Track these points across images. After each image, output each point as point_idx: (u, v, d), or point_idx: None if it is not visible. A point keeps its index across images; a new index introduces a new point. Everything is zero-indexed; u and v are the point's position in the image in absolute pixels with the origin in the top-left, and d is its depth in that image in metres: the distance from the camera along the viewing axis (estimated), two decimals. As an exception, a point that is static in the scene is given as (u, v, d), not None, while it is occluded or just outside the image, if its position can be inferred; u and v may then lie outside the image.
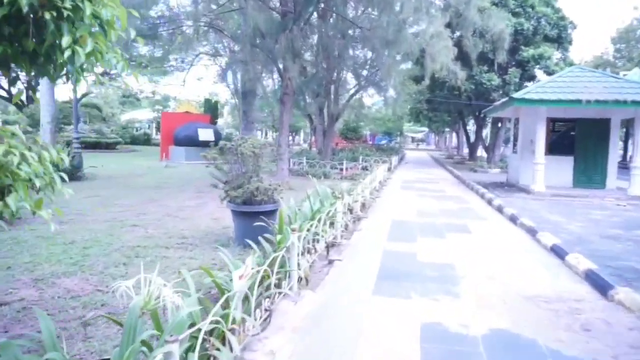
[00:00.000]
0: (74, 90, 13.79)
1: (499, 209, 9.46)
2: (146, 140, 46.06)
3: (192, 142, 23.88)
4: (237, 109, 51.52)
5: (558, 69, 20.34)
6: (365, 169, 18.32)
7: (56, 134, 16.21)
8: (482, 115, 27.27)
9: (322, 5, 11.42)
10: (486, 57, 21.80)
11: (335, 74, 14.70)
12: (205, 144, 24.63)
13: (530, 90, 11.84)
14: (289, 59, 9.63)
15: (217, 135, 24.30)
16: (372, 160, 21.76)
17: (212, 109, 33.61)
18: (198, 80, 42.90)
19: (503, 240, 6.83)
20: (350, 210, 7.48)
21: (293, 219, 5.62)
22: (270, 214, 6.11)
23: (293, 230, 4.10)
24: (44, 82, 14.68)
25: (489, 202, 10.64)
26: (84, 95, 39.43)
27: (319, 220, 5.24)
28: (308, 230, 4.79)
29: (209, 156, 6.18)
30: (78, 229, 6.97)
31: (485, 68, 21.53)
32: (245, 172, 6.36)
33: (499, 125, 23.62)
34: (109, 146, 32.99)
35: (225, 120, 76.94)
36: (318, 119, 21.72)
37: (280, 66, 11.40)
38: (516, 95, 11.88)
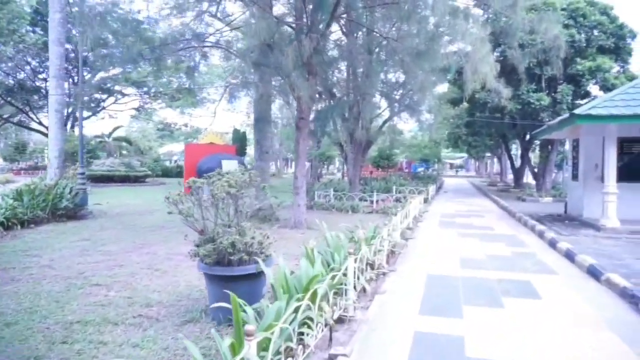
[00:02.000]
0: (80, 123, 12.87)
1: (569, 256, 7.33)
2: (179, 173, 45.90)
3: (215, 174, 22.76)
4: (269, 139, 51.22)
5: (618, 83, 17.95)
6: (398, 200, 16.40)
7: (64, 169, 15.34)
8: (529, 138, 24.84)
9: (343, 14, 9.92)
10: (532, 74, 19.69)
11: (362, 97, 13.08)
12: (229, 176, 23.58)
13: (595, 105, 9.76)
14: (299, 75, 8.11)
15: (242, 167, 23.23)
16: (407, 191, 19.80)
17: (240, 140, 32.76)
18: (227, 111, 42.52)
19: (593, 314, 4.72)
20: (372, 265, 5.66)
21: (282, 289, 3.91)
22: (255, 278, 4.43)
23: (248, 335, 2.36)
24: (52, 115, 13.92)
25: (552, 244, 8.49)
26: (115, 129, 39.84)
27: (313, 296, 3.50)
28: (292, 321, 3.06)
29: (171, 198, 4.59)
30: (25, 290, 5.51)
31: (533, 86, 19.34)
32: (227, 222, 4.73)
33: (549, 148, 21.16)
34: (138, 179, 32.60)
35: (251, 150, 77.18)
36: (349, 147, 20.10)
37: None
38: (578, 111, 9.82)
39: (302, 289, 3.91)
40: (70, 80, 40.72)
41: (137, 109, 45.14)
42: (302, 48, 7.90)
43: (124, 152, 52.05)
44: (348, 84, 14.75)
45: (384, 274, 6.18)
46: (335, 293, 4.29)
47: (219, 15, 10.96)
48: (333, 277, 4.12)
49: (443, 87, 33.53)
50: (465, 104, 28.71)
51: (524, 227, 11.44)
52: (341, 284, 4.32)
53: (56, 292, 5.44)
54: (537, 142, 28.00)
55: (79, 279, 6.10)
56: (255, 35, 8.52)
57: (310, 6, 8.43)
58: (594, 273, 6.00)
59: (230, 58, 10.84)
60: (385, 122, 26.62)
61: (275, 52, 8.75)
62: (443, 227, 11.19)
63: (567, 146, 30.46)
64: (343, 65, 13.96)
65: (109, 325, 4.38)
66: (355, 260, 4.82)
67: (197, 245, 4.61)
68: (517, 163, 29.94)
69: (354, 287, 4.80)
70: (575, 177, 12.71)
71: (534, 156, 32.95)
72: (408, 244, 8.67)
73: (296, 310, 3.23)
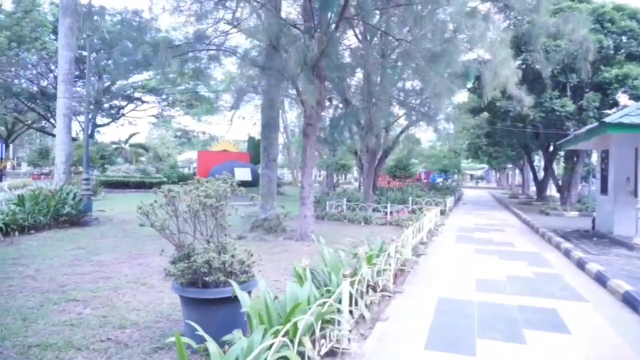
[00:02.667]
0: (85, 127, 12.62)
1: (600, 279, 6.55)
2: (196, 180, 45.93)
3: (227, 182, 22.43)
4: (284, 148, 50.83)
5: (648, 92, 16.97)
6: (414, 212, 15.68)
7: (70, 175, 15.13)
8: (553, 149, 23.80)
9: (354, 16, 9.39)
10: (556, 81, 18.80)
11: (374, 103, 12.49)
12: (241, 184, 23.18)
13: (628, 113, 8.96)
14: (304, 78, 7.59)
15: (255, 175, 22.76)
16: (424, 202, 19.03)
17: (255, 147, 32.36)
18: (244, 120, 42.38)
19: (635, 357, 3.99)
20: (374, 287, 5.03)
21: (260, 319, 3.34)
22: (235, 301, 3.87)
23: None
24: (59, 119, 13.74)
25: (580, 264, 7.69)
26: (131, 135, 40.16)
27: (294, 329, 2.92)
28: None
29: (143, 209, 4.08)
30: (-5, 305, 5.08)
31: (557, 93, 18.44)
32: (206, 237, 4.19)
33: (575, 159, 20.13)
34: (153, 185, 32.51)
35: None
36: (365, 156, 19.51)
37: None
38: (609, 119, 9.04)
39: (285, 318, 3.33)
40: (90, 87, 41.41)
41: (155, 116, 45.57)
42: (307, 49, 7.38)
43: (142, 158, 52.56)
44: (363, 91, 14.18)
45: (389, 296, 5.54)
46: (327, 322, 3.70)
47: (234, 22, 10.58)
48: (323, 304, 3.52)
49: (463, 97, 32.71)
50: (485, 114, 27.85)
51: (547, 244, 10.61)
52: (334, 312, 3.71)
53: (27, 308, 4.99)
54: (562, 153, 26.89)
55: (58, 293, 5.64)
56: (262, 35, 8.06)
57: (317, 6, 7.94)
58: (630, 302, 5.24)
59: (242, 64, 10.43)
60: (402, 131, 25.98)
61: (281, 55, 8.26)
62: (459, 242, 10.45)
63: (595, 158, 29.25)
64: (359, 72, 13.41)
65: (70, 351, 3.88)
66: (353, 284, 4.22)
67: (172, 262, 4.07)
68: (540, 175, 28.79)
69: (351, 314, 4.19)
70: (604, 190, 11.82)
71: (558, 168, 31.72)
72: (420, 261, 7.99)
73: (269, 347, 2.65)
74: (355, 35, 11.81)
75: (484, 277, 6.78)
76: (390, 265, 5.87)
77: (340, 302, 3.85)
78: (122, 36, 10.07)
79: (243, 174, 23.10)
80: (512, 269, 7.38)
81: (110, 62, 28.96)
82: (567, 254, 8.72)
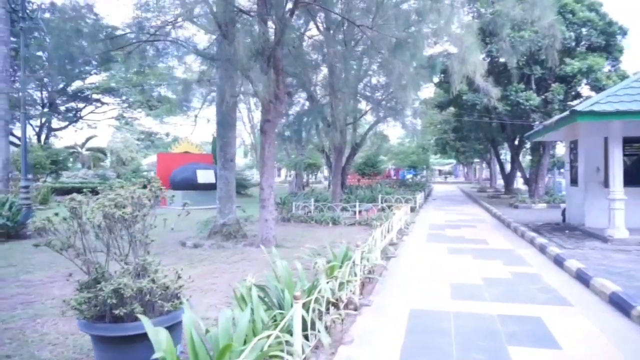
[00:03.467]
0: (22, 128, 11.40)
1: (581, 278, 6.07)
2: (160, 184, 44.16)
3: (190, 185, 21.40)
4: (252, 148, 49.68)
5: (610, 83, 17.00)
6: (384, 210, 15.15)
7: (9, 183, 13.81)
8: (519, 141, 23.84)
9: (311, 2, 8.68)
10: (521, 74, 18.70)
11: (336, 97, 11.84)
12: (205, 187, 22.14)
13: (598, 101, 8.62)
14: (255, 68, 6.82)
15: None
16: (393, 200, 18.56)
17: (220, 148, 31.30)
18: (207, 121, 41.12)
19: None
20: (336, 304, 4.33)
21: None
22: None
23: None
24: (-7, 123, 12.45)
25: (557, 261, 7.24)
26: (88, 139, 38.16)
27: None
28: None
29: (37, 224, 3.24)
30: None
31: (522, 86, 18.32)
32: (121, 256, 3.40)
33: (541, 151, 20.12)
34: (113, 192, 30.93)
35: (243, 161, 75.48)
36: (334, 155, 18.86)
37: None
38: (579, 108, 8.69)
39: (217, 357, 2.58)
40: (43, 87, 39.15)
41: (116, 118, 43.57)
42: (261, 36, 6.62)
43: (105, 163, 50.29)
44: (326, 85, 13.51)
45: (355, 308, 4.86)
46: (274, 357, 2.97)
47: (182, 11, 9.67)
48: (268, 336, 2.79)
49: (429, 92, 32.62)
50: (452, 109, 27.76)
51: (521, 239, 10.22)
52: (282, 344, 2.98)
53: None
54: (528, 146, 27.10)
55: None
56: (212, 24, 7.26)
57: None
58: (620, 305, 4.74)
59: (186, 54, 9.52)
60: (370, 127, 25.52)
61: (231, 43, 7.45)
62: (431, 241, 9.92)
63: (560, 149, 29.56)
64: (323, 66, 12.73)
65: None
66: (308, 305, 3.51)
67: (79, 290, 3.26)
68: (507, 168, 28.97)
69: (307, 339, 3.49)
70: (574, 182, 11.57)
71: (524, 161, 32.04)
72: (389, 265, 7.36)
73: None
74: (316, 25, 11.13)
75: (459, 280, 6.20)
76: (356, 274, 5.20)
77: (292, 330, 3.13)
78: (55, 27, 9.02)
79: (206, 176, 22.07)
80: (488, 270, 6.85)
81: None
82: (542, 249, 8.30)
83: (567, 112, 9.40)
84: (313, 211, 15.48)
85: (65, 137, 50.12)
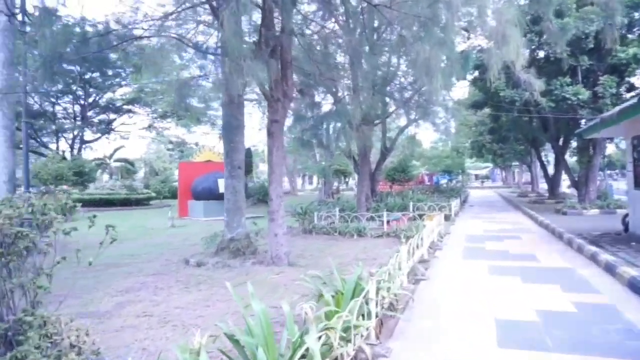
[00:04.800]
0: (24, 138, 10.77)
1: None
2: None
3: (211, 195, 20.61)
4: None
5: (671, 72, 15.04)
6: (415, 219, 13.74)
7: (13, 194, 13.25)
8: (564, 141, 21.81)
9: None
10: (566, 66, 16.89)
11: (355, 92, 10.65)
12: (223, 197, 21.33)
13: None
14: (248, 55, 5.72)
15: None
16: (426, 207, 17.08)
17: (246, 157, 30.55)
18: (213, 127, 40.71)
19: None
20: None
21: None
22: None
23: None
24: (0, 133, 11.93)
25: (634, 286, 5.70)
26: (115, 150, 38.42)
27: None
28: None
29: None
30: None
31: (568, 79, 16.51)
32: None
33: (591, 151, 18.12)
34: (140, 202, 30.75)
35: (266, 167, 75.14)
36: (359, 160, 17.60)
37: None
38: (651, 94, 7.11)
39: None
40: (75, 100, 39.83)
41: (147, 128, 43.94)
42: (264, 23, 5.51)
43: (137, 174, 50.88)
44: (352, 81, 12.29)
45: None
46: None
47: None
48: None
49: (462, 92, 30.86)
50: (488, 110, 25.92)
51: (578, 254, 8.63)
52: None
53: None
54: (574, 145, 24.91)
55: None
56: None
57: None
58: None
59: (179, 46, 8.57)
60: (400, 131, 24.11)
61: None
62: (469, 258, 8.48)
63: (610, 149, 27.03)
64: (341, 56, 11.58)
65: None
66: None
67: None
68: (551, 170, 26.80)
69: None
70: (639, 185, 9.84)
71: (569, 162, 29.64)
72: (418, 292, 6.02)
73: None
74: (331, 13, 9.96)
75: (507, 315, 4.82)
76: (369, 313, 3.95)
77: None
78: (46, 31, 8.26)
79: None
80: (543, 299, 5.42)
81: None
82: (609, 269, 6.74)
83: (635, 100, 7.81)
84: (337, 222, 14.26)
85: (99, 149, 51.01)
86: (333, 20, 9.60)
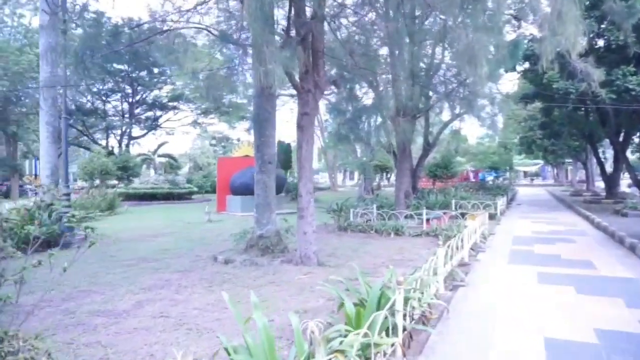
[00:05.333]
0: (64, 134, 10.95)
1: None
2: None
3: (248, 190, 20.43)
4: (322, 153, 48.67)
5: None
6: (457, 217, 12.99)
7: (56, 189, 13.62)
8: (625, 136, 20.10)
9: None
10: (630, 54, 15.45)
11: (394, 81, 10.06)
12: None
13: None
14: (273, 43, 5.33)
15: (280, 181, 20.67)
16: (470, 206, 16.19)
17: (285, 152, 30.52)
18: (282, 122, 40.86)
19: None
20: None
21: None
22: None
23: None
24: (42, 128, 12.27)
25: None
26: (160, 146, 39.42)
27: None
28: None
29: None
30: None
31: (632, 69, 15.08)
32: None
33: (657, 148, 16.52)
34: (182, 196, 31.38)
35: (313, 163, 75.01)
36: (398, 155, 16.91)
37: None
38: None
39: None
40: (124, 98, 41.30)
41: (192, 125, 44.99)
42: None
43: (183, 169, 52.23)
44: (391, 71, 11.67)
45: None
46: None
47: None
48: None
49: (512, 85, 29.24)
50: (539, 104, 24.34)
51: (639, 260, 7.70)
52: None
53: None
54: (636, 141, 23.02)
55: None
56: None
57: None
58: None
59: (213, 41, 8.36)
60: (444, 125, 23.13)
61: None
62: (514, 262, 7.74)
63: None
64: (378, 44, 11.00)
65: None
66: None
67: None
68: (608, 168, 24.89)
69: None
70: None
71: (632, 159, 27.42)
72: (454, 300, 5.43)
73: None
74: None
75: (559, 333, 4.19)
76: (395, 327, 3.46)
77: None
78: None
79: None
80: (602, 315, 4.71)
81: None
82: (681, 281, 5.87)
83: None
84: (375, 219, 13.73)
85: (146, 145, 52.75)
86: (370, 7, 9.04)
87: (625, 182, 28.27)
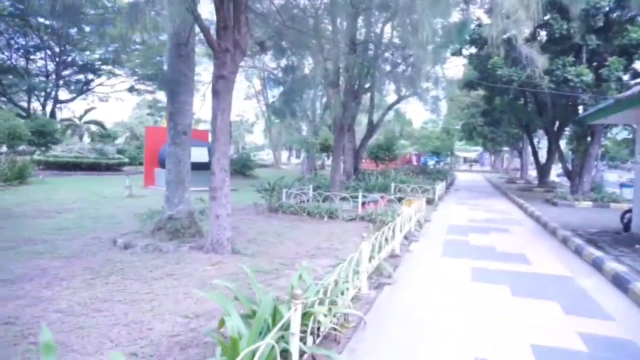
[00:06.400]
0: None
1: None
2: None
3: (180, 163, 18.97)
4: (268, 127, 47.03)
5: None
6: (395, 201, 12.44)
7: None
8: (559, 127, 20.53)
9: None
10: (571, 44, 15.49)
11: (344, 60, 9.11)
12: (198, 167, 19.64)
13: None
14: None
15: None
16: (409, 189, 15.78)
17: (224, 125, 28.73)
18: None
19: None
20: None
21: None
22: None
23: None
24: None
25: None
26: (86, 111, 36.23)
27: None
28: None
29: None
30: None
31: (571, 59, 15.08)
32: None
33: (589, 139, 16.87)
34: (111, 167, 28.99)
35: (257, 139, 73.11)
36: (335, 133, 16.06)
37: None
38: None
39: None
40: (52, 58, 37.36)
41: (129, 90, 41.59)
42: None
43: (119, 139, 48.70)
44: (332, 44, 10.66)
45: None
46: None
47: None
48: None
49: (457, 70, 29.28)
50: (481, 92, 24.41)
51: (575, 256, 7.39)
52: None
53: None
54: (567, 133, 23.69)
55: None
56: None
57: None
58: None
59: None
60: (389, 107, 22.64)
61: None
62: (448, 255, 7.17)
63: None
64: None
65: None
66: None
67: None
68: (542, 157, 25.61)
69: None
70: (649, 179, 8.56)
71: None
72: (375, 305, 4.65)
73: None
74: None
75: (493, 357, 3.50)
76: (291, 350, 2.58)
77: None
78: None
79: (200, 154, 19.62)
80: (538, 326, 4.11)
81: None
82: (618, 282, 5.47)
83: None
84: (311, 200, 12.90)
85: (80, 111, 48.38)
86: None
87: (554, 171, 29.43)
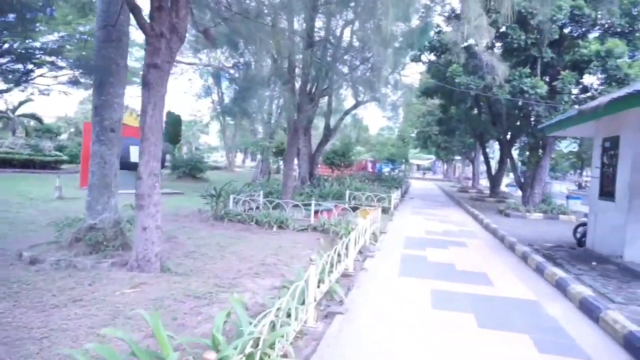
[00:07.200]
0: None
1: None
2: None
3: (121, 164, 17.48)
4: (222, 128, 45.39)
5: (632, 74, 14.07)
6: (349, 211, 11.81)
7: None
8: (511, 137, 20.79)
9: None
10: (527, 55, 15.59)
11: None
12: (134, 167, 18.28)
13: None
14: None
15: (162, 155, 17.92)
16: (364, 198, 15.26)
17: (174, 124, 27.34)
18: (184, 94, 36.88)
19: None
20: None
21: None
22: None
23: None
24: None
25: (629, 342, 3.99)
26: (21, 104, 33.40)
27: None
28: None
29: None
30: None
31: (527, 70, 15.14)
32: None
33: (541, 151, 17.06)
34: (47, 165, 26.73)
35: (212, 140, 70.87)
36: (288, 136, 15.27)
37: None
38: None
39: None
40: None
41: (72, 82, 38.78)
42: None
43: (64, 135, 45.41)
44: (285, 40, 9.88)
45: None
46: None
47: None
48: None
49: (415, 78, 29.30)
50: (437, 102, 24.49)
51: (536, 275, 7.01)
52: None
53: None
54: (518, 145, 24.21)
55: None
56: None
57: None
58: None
59: None
60: (346, 112, 22.16)
61: None
62: (406, 275, 6.55)
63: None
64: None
65: None
66: None
67: None
68: (494, 168, 26.05)
69: None
70: (607, 194, 8.37)
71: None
72: (322, 343, 3.91)
73: None
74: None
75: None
76: None
77: None
78: None
79: (136, 153, 18.24)
80: (509, 351, 3.53)
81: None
82: (586, 308, 5.04)
83: (623, 93, 6.15)
84: (261, 208, 12.06)
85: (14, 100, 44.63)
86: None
87: (504, 181, 30.11)
